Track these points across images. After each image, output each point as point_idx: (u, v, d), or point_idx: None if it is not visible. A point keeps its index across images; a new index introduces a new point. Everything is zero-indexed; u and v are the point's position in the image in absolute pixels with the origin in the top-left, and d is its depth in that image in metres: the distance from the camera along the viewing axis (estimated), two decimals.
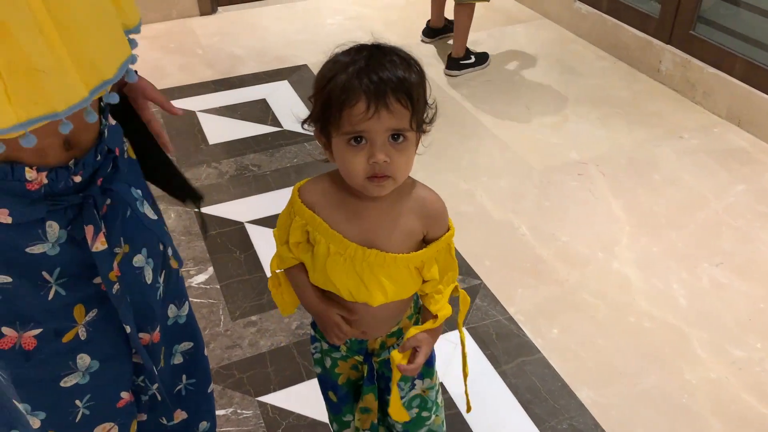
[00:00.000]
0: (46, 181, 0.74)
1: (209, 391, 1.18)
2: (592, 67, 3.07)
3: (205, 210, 2.20)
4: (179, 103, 2.81)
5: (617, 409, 1.57)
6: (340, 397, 1.23)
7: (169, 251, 0.97)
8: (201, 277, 1.94)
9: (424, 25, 3.41)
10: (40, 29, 0.64)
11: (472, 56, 3.01)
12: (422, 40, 3.33)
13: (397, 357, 0.99)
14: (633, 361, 1.68)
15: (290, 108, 2.78)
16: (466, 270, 1.95)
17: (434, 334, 1.04)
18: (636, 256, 2.00)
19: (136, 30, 0.78)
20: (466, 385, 1.17)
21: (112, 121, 0.85)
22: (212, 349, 1.71)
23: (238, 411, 1.57)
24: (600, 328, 1.78)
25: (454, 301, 1.05)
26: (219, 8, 3.73)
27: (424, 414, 1.25)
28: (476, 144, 2.55)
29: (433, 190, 1.00)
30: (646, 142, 2.54)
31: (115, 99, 0.79)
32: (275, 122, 2.70)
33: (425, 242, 1.00)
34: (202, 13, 3.65)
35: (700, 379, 1.64)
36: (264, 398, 1.60)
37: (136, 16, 0.78)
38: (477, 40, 3.33)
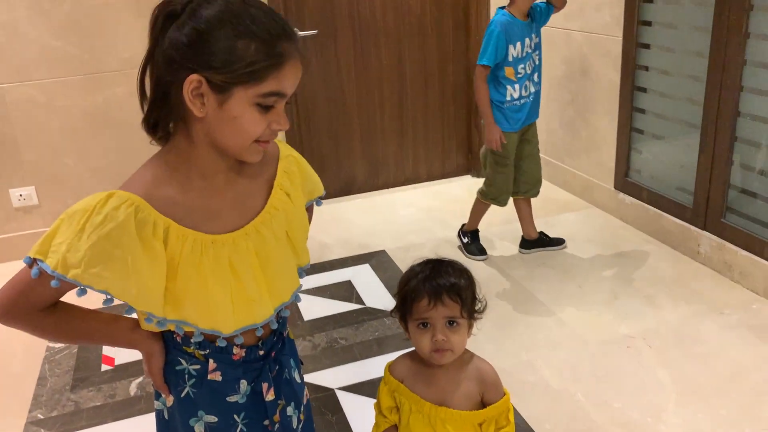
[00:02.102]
0: (243, 354, 1.18)
1: None
2: (638, 251, 3.45)
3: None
4: None
5: None
6: None
7: (304, 404, 1.36)
8: None
9: (485, 216, 3.92)
10: (254, 276, 1.12)
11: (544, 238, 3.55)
12: (521, 253, 3.56)
13: None
14: None
15: (372, 288, 3.24)
16: None
17: None
18: (682, 422, 2.24)
19: (306, 267, 1.26)
20: None
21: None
22: None
23: None
24: None
25: None
26: None
27: None
28: (535, 320, 2.91)
29: (488, 362, 1.38)
30: (690, 317, 2.84)
31: (286, 313, 1.26)
32: (359, 300, 3.16)
33: (483, 404, 1.36)
34: None
35: None
36: None
37: (307, 258, 1.26)
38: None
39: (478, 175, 4.68)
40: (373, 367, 2.64)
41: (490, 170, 3.35)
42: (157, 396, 1.22)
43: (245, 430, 1.21)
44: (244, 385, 1.19)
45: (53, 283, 1.00)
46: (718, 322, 2.79)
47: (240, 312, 1.12)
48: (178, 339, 1.15)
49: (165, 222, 1.04)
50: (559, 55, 4.11)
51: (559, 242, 3.55)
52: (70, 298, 1.09)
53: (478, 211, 3.55)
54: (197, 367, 1.16)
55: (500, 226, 3.90)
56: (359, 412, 2.39)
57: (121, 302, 1.05)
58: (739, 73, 2.89)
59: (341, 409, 2.42)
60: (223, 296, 1.09)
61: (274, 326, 1.21)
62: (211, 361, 1.15)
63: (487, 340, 2.78)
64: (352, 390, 2.52)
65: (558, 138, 4.32)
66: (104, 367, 2.74)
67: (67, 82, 3.57)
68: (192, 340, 1.13)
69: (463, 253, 3.55)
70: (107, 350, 2.86)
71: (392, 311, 1.38)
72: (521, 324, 2.88)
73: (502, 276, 3.30)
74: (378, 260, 3.53)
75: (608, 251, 3.47)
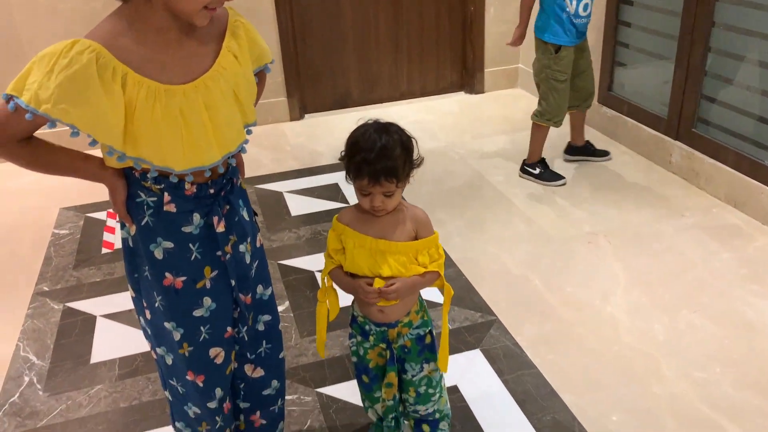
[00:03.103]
0: (195, 190, 1.37)
1: (281, 356, 1.73)
2: (614, 161, 3.60)
3: (284, 262, 2.83)
4: (271, 186, 3.53)
5: (593, 409, 1.99)
6: (371, 378, 1.75)
7: (255, 244, 1.56)
8: (279, 308, 2.53)
9: (474, 128, 4.06)
10: (203, 125, 1.30)
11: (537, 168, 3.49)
12: (565, 159, 3.63)
13: (378, 283, 1.50)
14: (611, 378, 2.11)
15: None
16: (485, 309, 2.45)
17: (413, 283, 1.53)
18: (627, 304, 2.45)
19: (253, 125, 1.44)
20: (445, 352, 1.65)
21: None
22: (285, 357, 2.26)
23: (302, 398, 2.10)
24: (588, 354, 2.22)
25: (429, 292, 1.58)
26: (306, 115, 4.55)
27: (430, 391, 1.75)
28: (506, 218, 3.10)
29: (421, 208, 1.57)
30: (652, 219, 3.01)
31: (233, 161, 1.44)
32: (344, 200, 3.35)
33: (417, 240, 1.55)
34: (292, 119, 4.47)
35: (665, 392, 2.04)
36: (321, 390, 2.12)
37: (253, 117, 1.43)
38: (517, 138, 3.95)
39: (472, 92, 4.79)
40: None
41: (545, 88, 3.24)
42: (123, 226, 1.43)
43: (200, 257, 1.41)
44: (197, 218, 1.39)
45: (27, 116, 1.18)
46: (677, 224, 2.96)
47: (189, 154, 1.30)
48: (137, 175, 1.34)
49: (123, 69, 1.21)
50: None
51: (603, 154, 3.59)
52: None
53: (536, 138, 3.39)
54: (154, 199, 1.36)
55: (488, 138, 4.05)
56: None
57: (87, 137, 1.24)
58: None
59: (318, 287, 2.64)
60: (174, 139, 1.28)
61: (222, 170, 1.39)
62: (166, 194, 1.35)
63: (458, 235, 2.98)
64: None
65: None
66: (104, 251, 2.99)
67: None
68: (149, 176, 1.33)
69: (541, 183, 3.41)
70: (108, 236, 3.10)
71: (340, 158, 1.55)
72: (492, 223, 3.07)
73: (479, 181, 3.47)
74: None
75: (587, 162, 3.61)
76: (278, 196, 3.43)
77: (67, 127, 1.20)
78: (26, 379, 2.24)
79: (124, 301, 2.60)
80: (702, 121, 3.23)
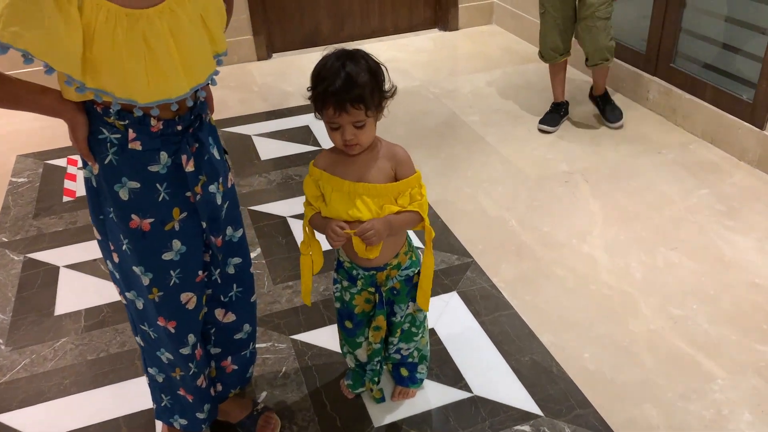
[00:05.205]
0: (161, 126, 1.27)
1: (252, 300, 1.66)
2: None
3: (255, 208, 2.73)
4: (238, 129, 3.40)
5: (571, 349, 1.97)
6: (355, 324, 1.69)
7: (227, 184, 1.46)
8: (251, 255, 2.45)
9: (448, 66, 3.93)
10: (169, 54, 1.18)
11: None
12: (540, 130, 3.25)
13: (350, 231, 1.43)
14: (589, 316, 2.09)
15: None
16: (461, 251, 2.41)
17: (388, 222, 1.43)
18: (604, 242, 2.42)
19: (223, 54, 1.32)
20: (427, 292, 1.60)
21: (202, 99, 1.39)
22: (258, 304, 2.20)
23: (276, 345, 2.05)
24: (565, 293, 2.19)
25: (419, 234, 1.52)
26: (274, 54, 4.37)
27: (413, 330, 1.70)
28: (482, 159, 3.03)
29: (400, 145, 1.48)
30: (629, 156, 2.96)
31: (202, 94, 1.33)
32: (315, 143, 3.24)
33: (397, 180, 1.47)
34: (259, 59, 4.29)
35: (642, 329, 2.03)
36: (295, 336, 2.07)
37: (223, 46, 1.32)
38: (492, 77, 3.84)
39: (446, 28, 4.64)
40: None
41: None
42: (84, 164, 1.32)
43: (167, 198, 1.32)
44: (164, 156, 1.29)
45: None
46: (655, 160, 2.92)
47: (154, 85, 1.19)
48: (99, 109, 1.23)
49: None
50: None
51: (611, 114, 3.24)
52: None
53: (551, 77, 3.27)
54: (118, 136, 1.25)
55: (463, 76, 3.94)
56: None
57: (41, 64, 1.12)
58: None
59: (291, 233, 2.57)
60: (137, 68, 1.16)
61: (190, 104, 1.29)
62: (130, 131, 1.24)
63: (433, 176, 2.91)
64: (302, 218, 2.65)
65: None
66: (66, 199, 2.86)
67: None
68: (111, 110, 1.22)
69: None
70: (69, 184, 2.97)
71: (308, 96, 1.44)
72: (467, 162, 3.00)
73: (454, 120, 3.38)
74: None
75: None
76: (246, 140, 3.30)
77: (21, 54, 1.09)
78: None
79: (87, 251, 2.50)
80: (681, 57, 3.16)
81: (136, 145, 1.26)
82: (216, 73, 1.33)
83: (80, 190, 2.90)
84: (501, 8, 4.56)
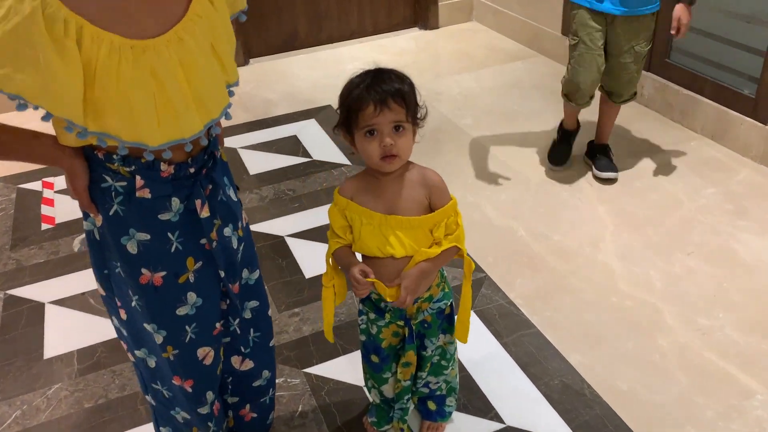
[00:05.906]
0: (173, 170, 1.13)
1: (271, 345, 1.53)
2: None
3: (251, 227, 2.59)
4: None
5: (601, 368, 1.89)
6: (382, 359, 1.57)
7: (242, 224, 1.34)
8: None
9: (433, 67, 3.82)
10: (180, 87, 1.05)
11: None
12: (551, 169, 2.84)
13: (388, 294, 1.34)
14: (614, 331, 2.01)
15: (318, 141, 3.19)
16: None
17: (422, 272, 1.34)
18: (617, 249, 2.34)
19: (235, 84, 1.19)
20: (464, 325, 1.50)
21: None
22: (275, 345, 2.07)
23: (289, 380, 1.92)
24: (586, 306, 2.11)
25: (458, 263, 1.41)
26: (251, 60, 4.20)
27: (443, 363, 1.59)
28: (480, 164, 2.93)
29: (433, 170, 1.37)
30: (629, 156, 2.90)
31: (217, 130, 1.20)
32: (305, 154, 3.11)
33: (432, 210, 1.36)
34: (237, 65, 4.12)
35: (670, 342, 1.96)
36: (308, 370, 1.95)
37: (235, 75, 1.18)
38: (480, 76, 3.75)
39: (426, 27, 4.53)
40: (322, 215, 2.63)
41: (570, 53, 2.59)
42: (86, 216, 1.18)
43: (180, 248, 1.19)
44: (176, 203, 1.16)
45: None
46: (657, 159, 2.86)
47: (166, 125, 1.06)
48: (101, 155, 1.09)
49: (77, 21, 0.95)
50: None
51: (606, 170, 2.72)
52: None
53: (564, 109, 2.79)
54: (123, 183, 1.11)
55: (449, 77, 3.83)
56: (309, 255, 2.42)
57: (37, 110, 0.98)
58: None
59: (291, 254, 2.44)
60: (146, 106, 1.03)
61: (204, 143, 1.16)
62: (138, 177, 1.11)
63: None
64: (301, 236, 2.53)
65: None
66: (44, 226, 2.68)
67: None
68: (116, 156, 1.08)
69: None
70: (46, 210, 2.78)
71: (335, 127, 1.34)
72: (467, 169, 2.90)
73: (448, 126, 3.28)
74: (324, 115, 3.44)
75: (553, 98, 3.44)
76: (232, 153, 3.15)
77: (11, 99, 0.95)
78: None
79: (74, 283, 2.33)
80: (677, 51, 3.10)
81: (145, 193, 1.12)
82: (229, 105, 1.20)
83: (60, 216, 2.72)
84: (481, 5, 4.47)
